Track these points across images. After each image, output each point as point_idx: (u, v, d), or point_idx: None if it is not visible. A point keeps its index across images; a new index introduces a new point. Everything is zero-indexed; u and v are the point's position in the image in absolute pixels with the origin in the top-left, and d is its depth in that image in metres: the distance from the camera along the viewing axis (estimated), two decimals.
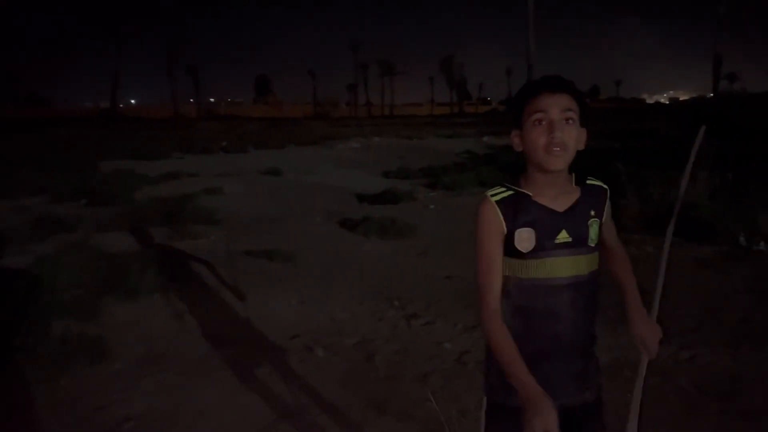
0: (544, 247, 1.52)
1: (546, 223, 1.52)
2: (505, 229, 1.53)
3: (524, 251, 1.52)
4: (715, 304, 4.57)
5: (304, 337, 4.16)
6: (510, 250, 1.54)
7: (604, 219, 1.62)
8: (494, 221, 1.53)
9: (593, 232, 1.56)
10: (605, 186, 1.64)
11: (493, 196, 1.56)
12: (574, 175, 1.60)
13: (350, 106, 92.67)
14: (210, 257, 5.93)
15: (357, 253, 6.52)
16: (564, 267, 1.52)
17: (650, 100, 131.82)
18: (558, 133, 1.47)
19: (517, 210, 1.53)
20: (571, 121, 1.49)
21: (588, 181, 1.61)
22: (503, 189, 1.57)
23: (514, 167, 1.61)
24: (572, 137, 1.49)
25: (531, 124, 1.50)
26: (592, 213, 1.57)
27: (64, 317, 4.22)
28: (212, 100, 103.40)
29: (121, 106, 79.59)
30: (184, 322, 4.43)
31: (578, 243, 1.54)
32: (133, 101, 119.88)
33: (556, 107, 1.48)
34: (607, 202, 1.63)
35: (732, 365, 3.55)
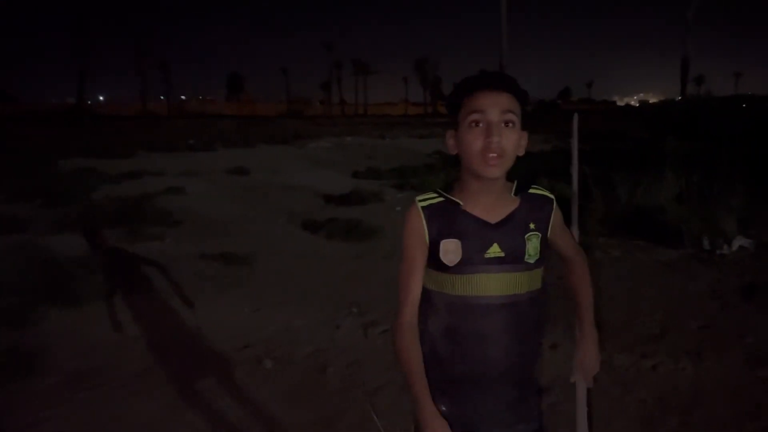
0: (471, 261, 1.36)
1: (475, 235, 1.37)
2: (428, 238, 1.39)
3: (449, 264, 1.37)
4: (678, 309, 4.50)
5: (256, 347, 3.96)
6: (435, 262, 1.38)
7: (551, 232, 1.46)
8: (417, 228, 1.40)
9: (532, 248, 1.39)
10: (551, 195, 1.47)
11: (420, 201, 1.41)
12: (515, 183, 1.44)
13: (324, 104, 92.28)
14: (163, 261, 5.68)
15: (319, 256, 6.33)
16: (495, 285, 1.37)
17: (621, 102, 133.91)
18: (496, 137, 1.31)
19: (443, 219, 1.38)
20: (511, 125, 1.33)
21: (531, 191, 1.44)
22: (434, 195, 1.42)
23: None
24: (511, 142, 1.33)
25: (467, 126, 1.34)
26: (532, 226, 1.40)
27: None
28: (183, 97, 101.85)
29: (89, 102, 77.94)
30: (127, 332, 4.18)
31: (513, 259, 1.37)
32: (101, 98, 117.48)
33: (496, 108, 1.32)
34: (554, 214, 1.46)
35: (694, 375, 3.46)
